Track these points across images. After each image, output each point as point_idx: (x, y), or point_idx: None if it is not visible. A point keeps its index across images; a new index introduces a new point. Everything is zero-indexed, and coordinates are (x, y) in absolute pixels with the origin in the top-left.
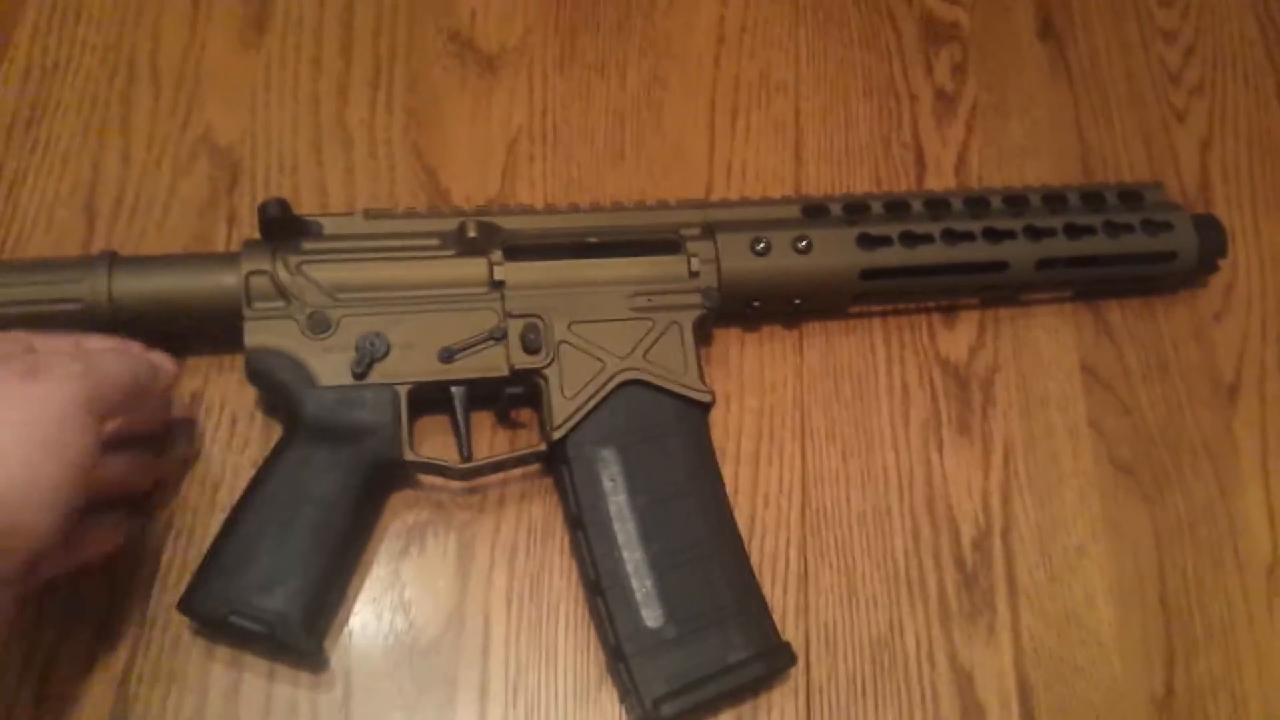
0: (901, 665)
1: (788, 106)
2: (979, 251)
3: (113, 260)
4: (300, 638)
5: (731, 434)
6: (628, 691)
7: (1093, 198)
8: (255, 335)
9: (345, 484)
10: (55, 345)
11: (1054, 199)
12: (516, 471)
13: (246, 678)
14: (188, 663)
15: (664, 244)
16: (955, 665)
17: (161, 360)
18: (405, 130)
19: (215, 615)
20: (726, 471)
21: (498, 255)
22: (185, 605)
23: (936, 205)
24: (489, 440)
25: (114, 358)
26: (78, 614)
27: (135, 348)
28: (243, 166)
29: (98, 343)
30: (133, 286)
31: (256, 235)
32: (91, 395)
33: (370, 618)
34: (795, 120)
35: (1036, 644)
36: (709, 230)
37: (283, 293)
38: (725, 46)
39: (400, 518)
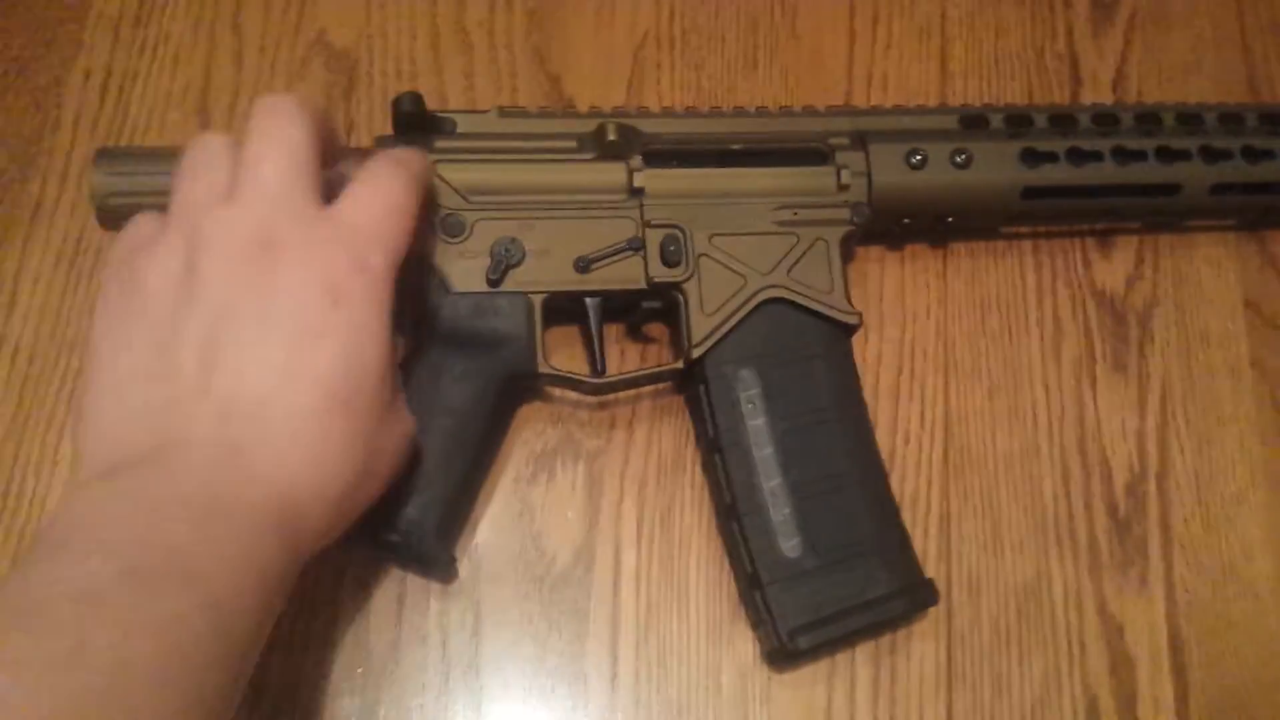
0: (1048, 614)
1: (933, 11)
2: (1151, 173)
3: None
4: (434, 546)
5: (870, 365)
6: (762, 621)
7: (1271, 119)
8: None
9: (479, 394)
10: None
11: (1230, 119)
12: (645, 399)
13: (375, 604)
14: (316, 591)
15: (812, 154)
16: (1104, 616)
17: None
18: (526, 33)
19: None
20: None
21: (637, 161)
22: None
23: (1105, 120)
24: (619, 356)
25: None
26: None
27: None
28: (359, 71)
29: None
30: None
31: (384, 134)
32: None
33: (501, 546)
34: (941, 27)
35: (1190, 596)
36: (860, 140)
37: None
38: None
39: (529, 446)
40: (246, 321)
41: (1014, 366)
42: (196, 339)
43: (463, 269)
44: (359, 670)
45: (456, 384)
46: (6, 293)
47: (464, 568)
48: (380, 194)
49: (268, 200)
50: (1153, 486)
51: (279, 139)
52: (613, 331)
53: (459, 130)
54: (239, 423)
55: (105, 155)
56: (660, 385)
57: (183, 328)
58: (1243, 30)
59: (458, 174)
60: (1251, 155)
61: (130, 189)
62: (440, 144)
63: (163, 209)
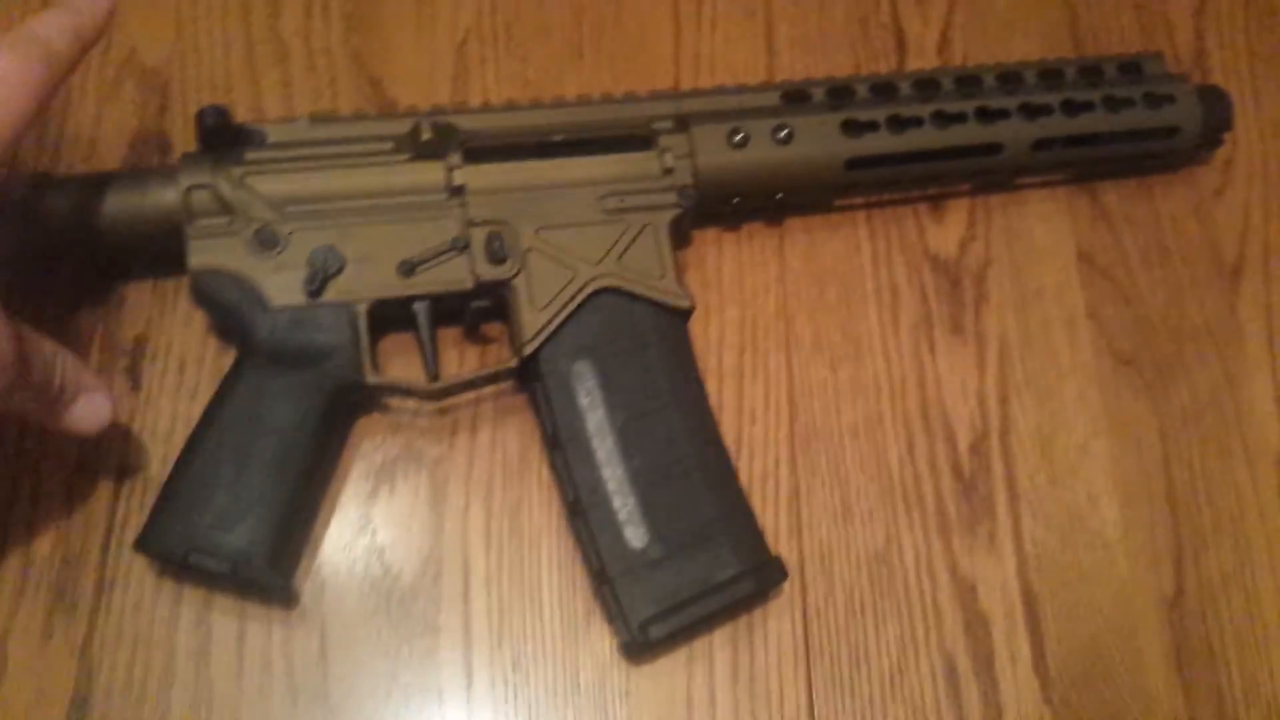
0: (901, 581)
1: None
2: (972, 134)
3: (43, 181)
4: (266, 574)
5: (712, 347)
6: (614, 615)
7: (1090, 71)
8: (199, 255)
9: (304, 411)
10: None
11: (1050, 74)
12: (487, 399)
13: (215, 635)
14: (152, 624)
15: (634, 140)
16: (956, 577)
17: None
18: (345, 38)
19: (174, 554)
20: (709, 388)
21: (456, 158)
22: (142, 543)
23: (925, 86)
24: (458, 358)
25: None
26: (30, 583)
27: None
28: (172, 88)
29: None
30: (64, 207)
31: (190, 151)
32: None
33: (343, 564)
34: (765, 5)
35: (1040, 550)
36: (682, 122)
37: (226, 207)
38: None
39: (368, 458)
40: None
41: (854, 337)
42: None
43: (279, 282)
44: (202, 710)
45: (279, 402)
46: None
47: (306, 590)
48: None
49: None
50: (995, 444)
51: None
52: (451, 334)
53: (270, 140)
54: None
55: None
56: (501, 385)
57: None
58: None
59: (269, 185)
60: (1071, 109)
61: None
62: (250, 155)
63: None
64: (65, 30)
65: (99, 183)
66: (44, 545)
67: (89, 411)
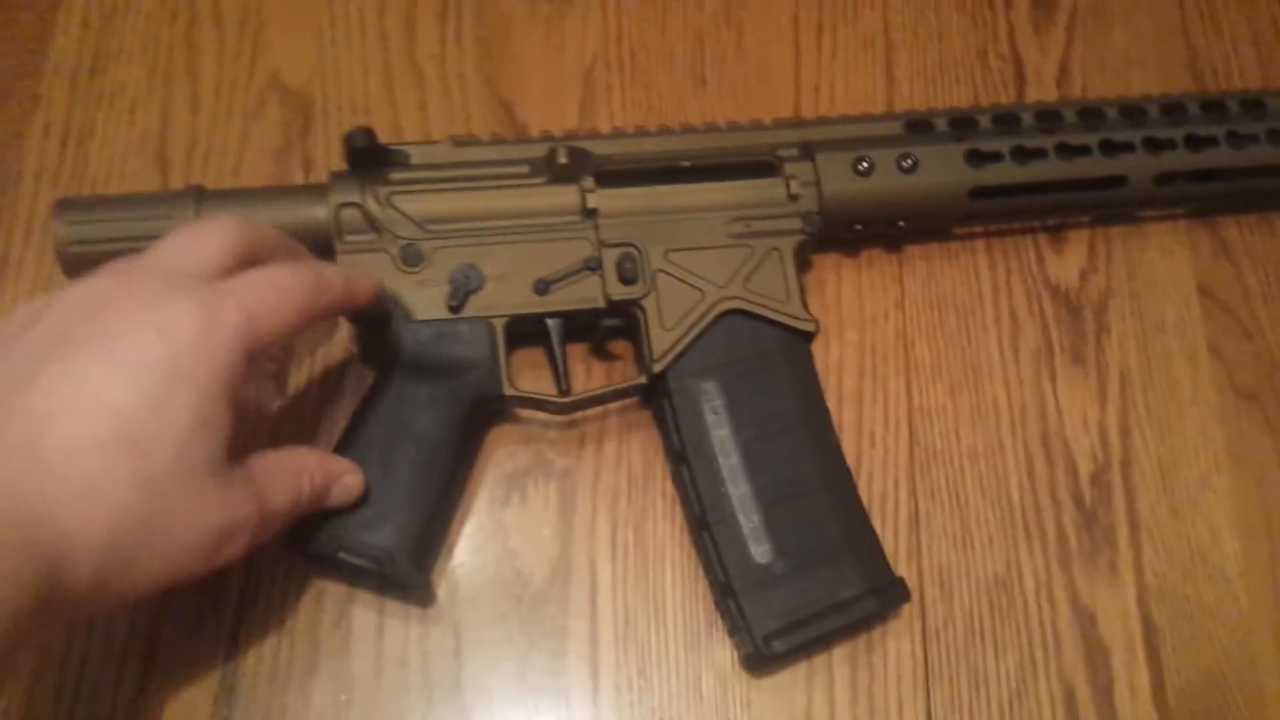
0: (1020, 607)
1: (876, 20)
2: (1095, 166)
3: (200, 194)
4: (409, 573)
5: (833, 370)
6: (737, 627)
7: (1213, 107)
8: (348, 269)
9: (446, 420)
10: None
11: (1172, 109)
12: (613, 414)
13: (355, 630)
14: (296, 618)
15: (761, 166)
16: (1076, 606)
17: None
18: (478, 63)
19: (324, 552)
20: (829, 409)
21: (589, 182)
22: (291, 543)
23: (1048, 117)
24: (585, 374)
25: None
26: None
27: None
28: (314, 109)
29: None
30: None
31: (339, 170)
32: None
33: (477, 568)
34: (885, 35)
35: (1160, 582)
36: (807, 150)
37: (373, 225)
38: None
39: (500, 467)
40: (71, 341)
41: (974, 364)
42: (25, 351)
43: (423, 297)
44: (343, 699)
45: (423, 411)
46: None
47: (441, 590)
48: (269, 278)
49: (152, 258)
50: (1117, 475)
51: (194, 232)
52: (577, 350)
53: (413, 161)
54: (19, 428)
55: (65, 205)
56: (626, 400)
57: (17, 342)
58: (1183, 20)
59: (414, 204)
60: (1194, 143)
61: (91, 237)
62: (396, 176)
63: (124, 253)
64: (340, 275)
65: (252, 197)
66: None
67: (342, 495)
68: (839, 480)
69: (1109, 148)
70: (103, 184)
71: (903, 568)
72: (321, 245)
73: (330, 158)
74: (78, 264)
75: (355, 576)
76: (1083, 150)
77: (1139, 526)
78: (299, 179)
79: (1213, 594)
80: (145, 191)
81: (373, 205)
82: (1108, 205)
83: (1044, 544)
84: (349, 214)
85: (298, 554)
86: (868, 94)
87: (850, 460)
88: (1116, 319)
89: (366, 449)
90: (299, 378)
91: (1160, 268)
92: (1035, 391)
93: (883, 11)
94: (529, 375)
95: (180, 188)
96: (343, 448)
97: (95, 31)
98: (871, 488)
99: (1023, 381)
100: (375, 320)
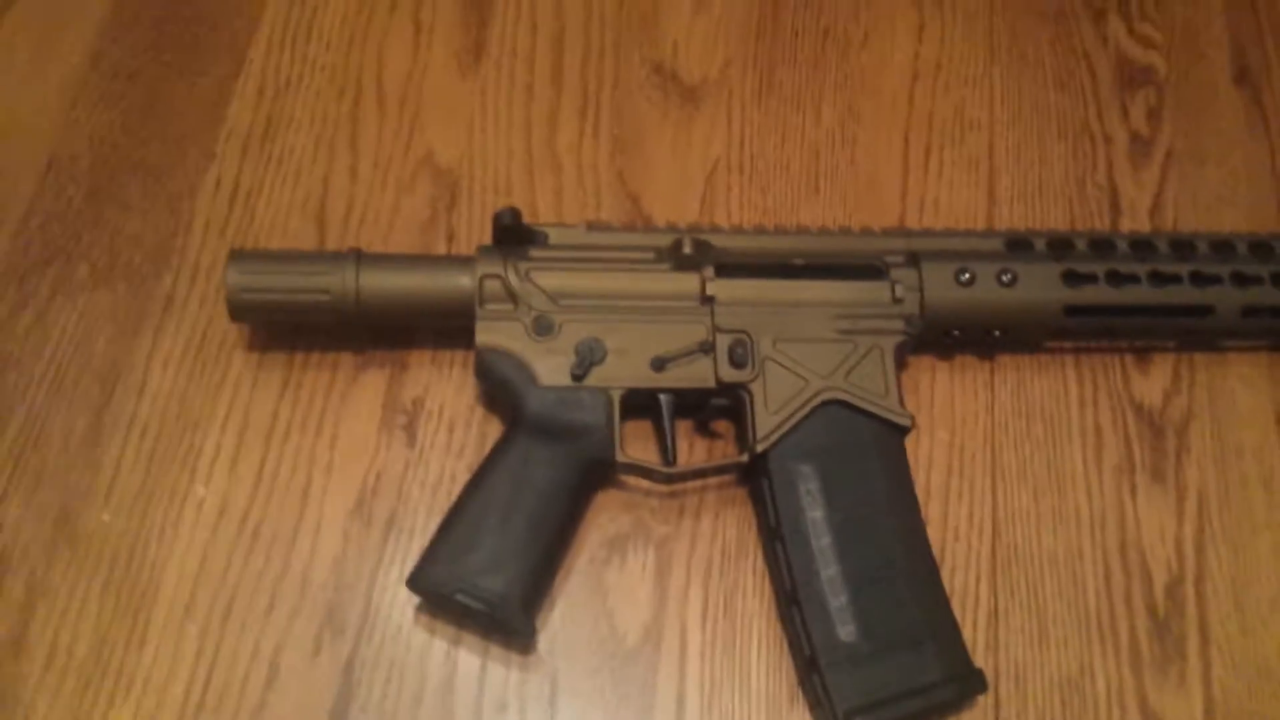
0: (1091, 708)
1: (981, 144)
2: (1184, 295)
3: (360, 257)
4: (519, 618)
5: (922, 465)
6: (819, 702)
7: None
8: (486, 334)
9: (561, 479)
10: None
11: (1260, 247)
12: (711, 489)
13: (460, 669)
14: (407, 652)
15: (868, 269)
16: (1145, 711)
17: None
18: (611, 158)
19: (443, 591)
20: None
21: (710, 271)
22: (414, 582)
23: (1141, 246)
24: (688, 449)
25: None
26: (306, 603)
27: None
28: (460, 186)
29: None
30: (377, 281)
31: (484, 244)
32: None
33: (575, 623)
34: (989, 158)
35: (1227, 695)
36: (913, 258)
37: (512, 296)
38: (920, 83)
39: (603, 530)
40: None
41: (1058, 471)
42: None
43: (550, 365)
44: None
45: (541, 468)
46: (137, 376)
47: (541, 640)
48: None
49: None
50: (1190, 589)
51: None
52: (683, 426)
53: (551, 241)
54: None
55: (238, 256)
56: (725, 476)
57: None
58: (1274, 165)
59: (549, 280)
60: None
61: (259, 286)
62: (534, 253)
63: (283, 307)
64: None
65: (406, 263)
66: (320, 572)
67: None
68: (925, 569)
69: (1199, 279)
70: (265, 239)
71: (980, 660)
72: (463, 311)
73: (472, 232)
74: (244, 309)
75: (467, 617)
76: (1174, 279)
77: (1209, 640)
78: (442, 249)
79: (1276, 711)
80: (308, 250)
81: (513, 278)
82: (1193, 333)
83: (1117, 649)
84: (491, 284)
85: (418, 591)
86: (969, 211)
87: (935, 553)
88: (1197, 440)
89: (489, 499)
90: (427, 432)
91: (1241, 395)
92: (1115, 503)
93: (988, 136)
94: (637, 446)
95: (339, 249)
96: (467, 495)
97: (269, 100)
98: (954, 581)
99: (1104, 492)
100: (502, 380)
